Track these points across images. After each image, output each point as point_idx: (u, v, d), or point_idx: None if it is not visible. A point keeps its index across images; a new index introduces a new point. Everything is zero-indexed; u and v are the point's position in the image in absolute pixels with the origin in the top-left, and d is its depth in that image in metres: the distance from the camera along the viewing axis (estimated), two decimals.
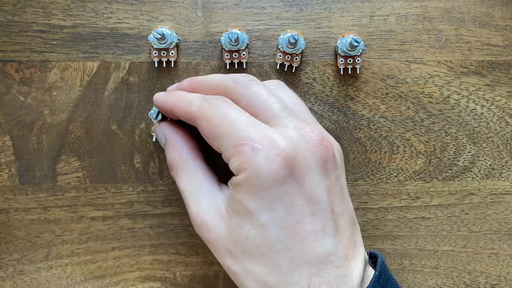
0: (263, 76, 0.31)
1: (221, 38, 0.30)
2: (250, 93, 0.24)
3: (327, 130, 0.31)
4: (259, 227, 0.22)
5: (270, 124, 0.23)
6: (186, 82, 0.27)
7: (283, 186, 0.22)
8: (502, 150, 0.31)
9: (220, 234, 0.23)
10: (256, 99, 0.24)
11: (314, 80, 0.31)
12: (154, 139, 0.31)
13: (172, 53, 0.30)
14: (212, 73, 0.31)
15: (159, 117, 0.28)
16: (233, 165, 0.23)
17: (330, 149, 0.24)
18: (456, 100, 0.31)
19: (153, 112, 0.28)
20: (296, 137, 0.23)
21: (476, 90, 0.31)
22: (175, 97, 0.26)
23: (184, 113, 0.25)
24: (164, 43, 0.30)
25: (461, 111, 0.31)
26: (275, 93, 0.25)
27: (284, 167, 0.22)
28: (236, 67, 0.31)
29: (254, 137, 0.22)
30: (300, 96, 0.31)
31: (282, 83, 0.27)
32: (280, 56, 0.30)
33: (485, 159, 0.31)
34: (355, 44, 0.29)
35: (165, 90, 0.31)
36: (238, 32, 0.29)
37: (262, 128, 0.22)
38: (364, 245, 0.31)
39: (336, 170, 0.24)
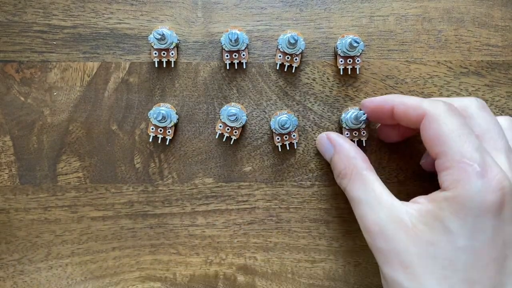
0: (263, 76, 0.31)
1: (221, 38, 0.30)
2: (488, 119, 0.25)
3: (327, 130, 0.31)
4: (455, 250, 0.22)
5: (491, 153, 0.23)
6: (380, 99, 0.28)
7: (491, 219, 0.22)
8: None
9: (400, 246, 0.23)
10: (484, 126, 0.25)
11: (314, 80, 0.31)
12: (150, 140, 0.31)
13: (172, 54, 0.30)
14: (212, 74, 0.31)
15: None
16: (446, 177, 0.23)
17: None
18: None
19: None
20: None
21: (475, 90, 0.31)
22: (394, 96, 0.27)
23: (407, 111, 0.25)
24: (164, 44, 0.30)
25: None
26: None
27: (500, 202, 0.21)
28: (236, 68, 0.31)
29: (481, 163, 0.22)
30: (300, 96, 0.31)
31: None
32: (280, 56, 0.30)
33: None
34: (355, 44, 0.29)
35: (166, 90, 0.31)
36: (238, 32, 0.29)
37: (488, 157, 0.22)
38: (365, 246, 0.31)
39: None
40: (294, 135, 0.30)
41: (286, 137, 0.30)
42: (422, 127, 0.24)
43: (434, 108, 0.24)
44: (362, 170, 0.26)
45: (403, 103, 0.26)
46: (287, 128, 0.29)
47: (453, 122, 0.23)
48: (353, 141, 0.30)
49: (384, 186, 0.26)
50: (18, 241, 0.31)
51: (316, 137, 0.31)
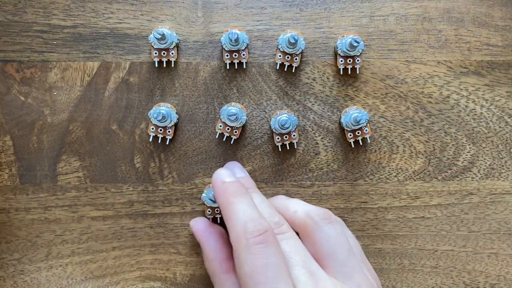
0: (263, 76, 0.31)
1: (221, 38, 0.30)
2: (321, 235, 0.25)
3: (327, 130, 0.31)
4: None
5: (334, 271, 0.24)
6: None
7: None
8: (501, 150, 0.31)
9: None
10: (324, 244, 0.25)
11: (314, 80, 0.31)
12: (151, 139, 0.31)
13: (172, 53, 0.30)
14: (212, 73, 0.31)
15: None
16: None
17: None
18: (455, 100, 0.31)
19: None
20: None
21: (475, 90, 0.31)
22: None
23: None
24: (164, 43, 0.30)
25: (460, 111, 0.31)
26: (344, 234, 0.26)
27: None
28: (236, 67, 0.31)
29: None
30: (300, 96, 0.31)
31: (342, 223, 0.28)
32: (280, 56, 0.30)
33: (484, 159, 0.31)
34: (355, 44, 0.29)
35: (166, 90, 0.31)
36: (238, 32, 0.29)
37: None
38: (364, 246, 0.31)
39: None
40: (294, 135, 0.30)
41: (286, 137, 0.30)
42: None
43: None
44: (220, 274, 0.26)
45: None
46: (287, 128, 0.29)
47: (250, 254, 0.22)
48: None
49: None
50: (18, 241, 0.31)
51: (317, 137, 0.31)
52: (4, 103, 0.31)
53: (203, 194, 0.30)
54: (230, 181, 0.25)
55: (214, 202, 0.30)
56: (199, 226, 0.29)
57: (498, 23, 0.31)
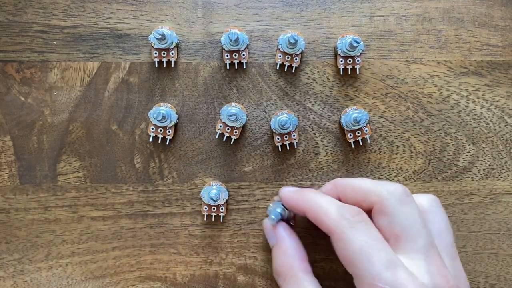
0: (263, 76, 0.31)
1: (221, 38, 0.30)
2: (404, 214, 0.24)
3: (327, 130, 0.31)
4: None
5: (410, 255, 0.23)
6: (329, 186, 0.27)
7: None
8: (501, 150, 0.31)
9: None
10: (405, 223, 0.24)
11: (314, 80, 0.31)
12: (151, 140, 0.31)
13: (172, 53, 0.30)
14: (212, 74, 0.31)
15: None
16: None
17: None
18: (455, 100, 0.31)
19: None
20: (430, 286, 0.22)
21: (475, 90, 0.31)
22: (308, 199, 0.25)
23: (317, 221, 0.24)
24: (164, 43, 0.30)
25: (460, 111, 0.31)
26: (426, 218, 0.25)
27: None
28: (236, 67, 0.31)
29: (392, 282, 0.21)
30: (300, 96, 0.31)
31: (438, 201, 0.27)
32: (280, 56, 0.30)
33: (484, 159, 0.31)
34: (355, 44, 0.29)
35: (166, 90, 0.31)
36: (238, 32, 0.29)
37: (401, 272, 0.22)
38: None
39: None
40: (294, 135, 0.30)
41: (286, 137, 0.30)
42: (333, 245, 0.24)
43: (337, 225, 0.23)
44: (298, 272, 0.25)
45: (311, 214, 0.25)
46: (287, 128, 0.29)
47: (360, 239, 0.22)
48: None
49: None
50: (18, 241, 0.31)
51: (317, 137, 0.31)
52: (4, 103, 0.31)
53: (202, 191, 0.30)
54: (299, 189, 0.27)
55: (215, 201, 0.30)
56: (277, 223, 0.28)
57: (498, 23, 0.31)
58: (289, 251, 0.26)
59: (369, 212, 0.25)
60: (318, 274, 0.31)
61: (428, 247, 0.23)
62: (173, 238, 0.31)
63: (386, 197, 0.24)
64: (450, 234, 0.26)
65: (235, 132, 0.30)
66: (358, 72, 0.31)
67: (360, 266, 0.22)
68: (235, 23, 0.31)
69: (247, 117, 0.31)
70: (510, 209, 0.32)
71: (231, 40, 0.29)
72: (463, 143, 0.31)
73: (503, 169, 0.31)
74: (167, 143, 0.31)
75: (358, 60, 0.30)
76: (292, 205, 0.26)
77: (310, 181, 0.31)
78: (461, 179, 0.31)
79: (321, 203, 0.25)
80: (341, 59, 0.30)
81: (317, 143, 0.31)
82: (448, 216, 0.32)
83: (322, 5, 0.31)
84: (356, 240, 0.22)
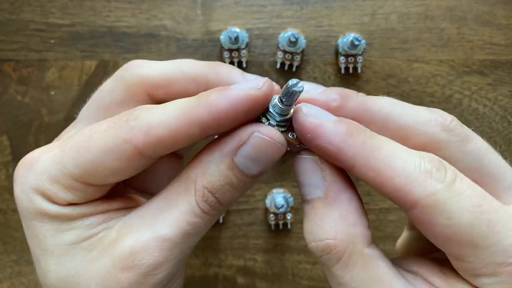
0: (263, 75, 0.31)
1: (221, 36, 0.29)
2: (476, 154, 0.18)
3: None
4: None
5: (501, 200, 0.17)
6: (349, 106, 0.18)
7: None
8: (504, 150, 0.31)
9: None
10: (488, 165, 0.18)
11: (315, 79, 0.31)
12: None
13: (243, 53, 0.30)
14: None
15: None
16: (493, 285, 0.16)
17: None
18: (458, 99, 0.31)
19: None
20: None
21: (478, 90, 0.31)
22: (366, 148, 0.16)
23: (381, 185, 0.16)
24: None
25: (463, 110, 0.31)
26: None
27: None
28: (236, 66, 0.31)
29: None
30: None
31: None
32: (280, 55, 0.30)
33: None
34: (356, 42, 0.29)
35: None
36: (238, 30, 0.29)
37: None
38: None
39: None
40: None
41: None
42: (418, 221, 0.16)
43: (430, 193, 0.16)
44: (364, 247, 0.17)
45: (373, 176, 0.16)
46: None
47: (469, 211, 0.16)
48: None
49: (393, 268, 0.17)
50: (16, 242, 0.31)
51: None
52: (1, 103, 0.31)
53: None
54: (336, 121, 0.17)
55: None
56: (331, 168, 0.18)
57: (501, 21, 0.31)
58: (351, 218, 0.17)
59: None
60: (318, 275, 0.31)
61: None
62: None
63: (445, 138, 0.18)
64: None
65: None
66: (359, 71, 0.31)
67: (480, 243, 0.15)
68: (234, 21, 0.31)
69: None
70: None
71: (230, 39, 0.29)
72: None
73: None
74: None
75: (359, 59, 0.30)
76: (330, 151, 0.16)
77: None
78: None
79: (391, 153, 0.16)
80: (342, 58, 0.30)
81: None
82: None
83: (323, 3, 0.31)
84: (466, 212, 0.15)
